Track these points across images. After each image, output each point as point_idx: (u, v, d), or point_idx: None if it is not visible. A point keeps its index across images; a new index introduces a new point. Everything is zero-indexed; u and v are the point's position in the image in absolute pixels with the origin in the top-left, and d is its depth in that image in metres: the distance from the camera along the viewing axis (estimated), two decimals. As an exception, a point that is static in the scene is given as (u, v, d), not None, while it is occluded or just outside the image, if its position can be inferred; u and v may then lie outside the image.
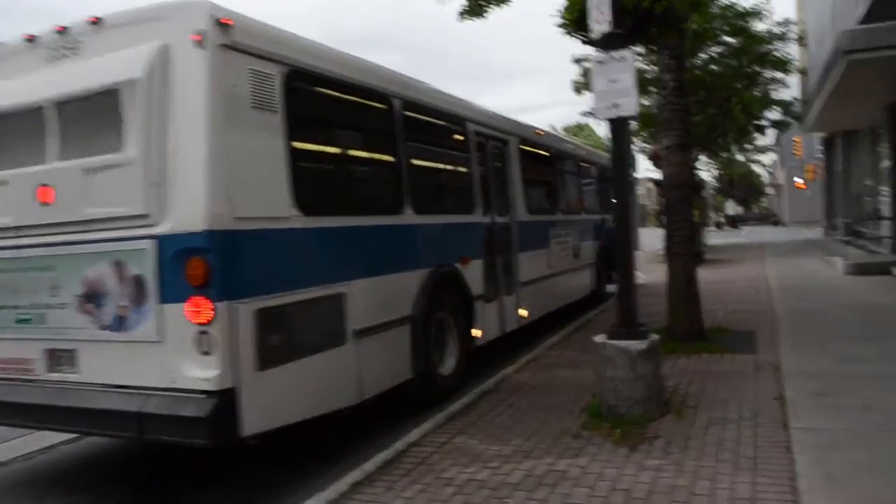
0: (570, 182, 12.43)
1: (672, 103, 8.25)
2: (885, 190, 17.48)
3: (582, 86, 22.99)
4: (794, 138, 48.90)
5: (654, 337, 5.59)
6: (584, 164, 12.92)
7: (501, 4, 8.10)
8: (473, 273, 7.77)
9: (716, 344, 7.98)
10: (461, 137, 7.97)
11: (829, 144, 28.93)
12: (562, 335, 9.49)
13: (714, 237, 37.68)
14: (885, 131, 17.15)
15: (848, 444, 4.58)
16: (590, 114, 25.73)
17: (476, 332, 7.80)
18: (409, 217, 6.56)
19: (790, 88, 28.66)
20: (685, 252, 8.27)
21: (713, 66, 23.20)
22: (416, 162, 6.92)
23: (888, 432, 4.75)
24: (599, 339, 5.61)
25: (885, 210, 16.65)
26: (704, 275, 17.19)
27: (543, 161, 10.98)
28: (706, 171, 59.79)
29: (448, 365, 7.23)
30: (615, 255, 14.08)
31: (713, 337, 8.39)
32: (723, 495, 4.01)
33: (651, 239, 23.61)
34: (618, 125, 5.53)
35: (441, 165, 7.80)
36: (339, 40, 7.04)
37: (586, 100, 34.04)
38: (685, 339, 8.10)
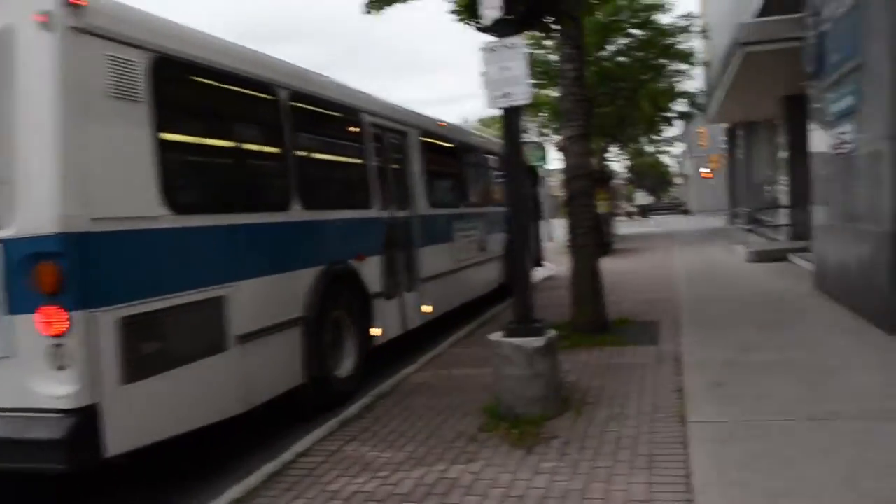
0: (476, 174, 12.26)
1: (573, 94, 8.13)
2: (783, 179, 18.05)
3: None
4: (699, 129, 50.45)
5: (552, 333, 5.41)
6: (490, 156, 12.76)
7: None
8: (371, 270, 7.47)
9: (620, 336, 7.92)
10: (356, 129, 7.64)
11: (731, 135, 29.86)
12: (467, 331, 9.29)
13: (625, 227, 38.48)
14: (782, 123, 17.69)
15: (744, 435, 4.49)
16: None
17: (375, 331, 7.51)
18: (297, 213, 6.20)
19: (694, 80, 29.51)
20: (588, 244, 8.17)
21: (621, 59, 23.54)
22: (304, 155, 6.56)
23: (783, 421, 4.70)
24: (496, 336, 5.40)
25: (784, 199, 17.18)
26: (613, 265, 17.46)
27: (446, 153, 10.75)
28: (617, 161, 61.30)
29: (346, 367, 6.92)
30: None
31: (617, 329, 8.33)
32: (617, 498, 3.84)
33: (562, 230, 23.81)
34: (510, 114, 5.31)
35: (333, 159, 7.43)
36: (256, 35, 6.59)
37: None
38: (589, 331, 8.01)
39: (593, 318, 8.10)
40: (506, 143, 5.45)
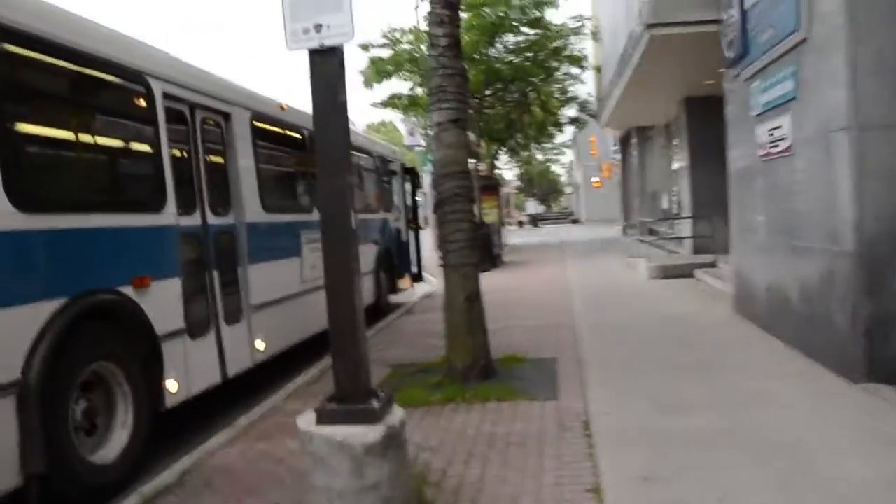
0: None
1: (445, 66, 6.16)
2: (678, 189, 16.83)
3: (372, 77, 20.80)
4: (590, 137, 50.14)
5: (395, 417, 3.35)
6: (357, 154, 10.68)
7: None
8: (163, 299, 5.26)
9: (508, 384, 5.98)
10: (140, 102, 5.40)
11: (624, 143, 28.94)
12: (309, 377, 7.13)
13: (514, 236, 37.18)
14: (679, 129, 16.47)
15: None
16: (381, 104, 23.71)
17: (170, 386, 5.31)
18: (11, 220, 3.94)
19: (586, 84, 28.37)
20: (465, 262, 6.22)
21: (511, 58, 22.02)
22: (31, 132, 4.31)
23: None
24: (305, 423, 3.31)
25: (684, 209, 15.91)
26: (502, 280, 15.68)
27: (294, 146, 8.58)
28: (508, 169, 60.63)
29: (111, 447, 4.71)
30: (401, 259, 12.18)
31: (506, 371, 6.42)
32: None
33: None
34: (323, 61, 3.25)
35: (95, 140, 5.06)
36: None
37: (380, 92, 32.03)
38: (469, 377, 6.07)
39: (473, 360, 6.15)
40: (317, 111, 3.34)
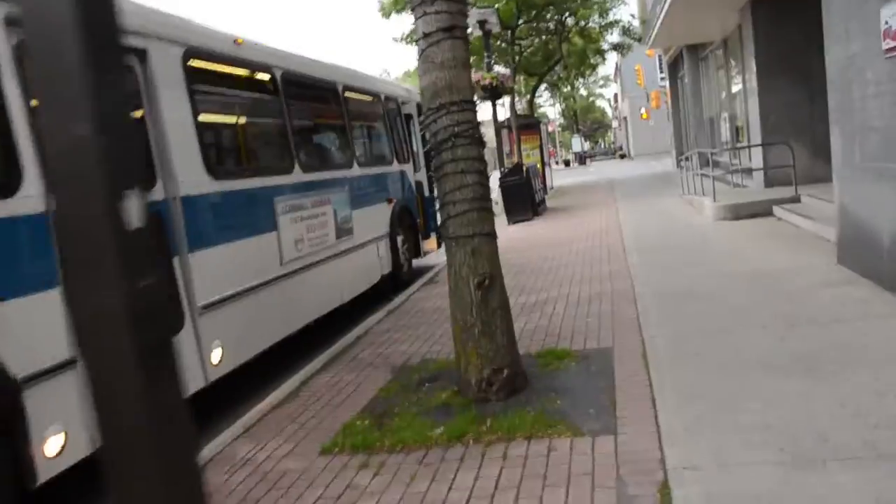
0: (325, 122, 8.36)
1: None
2: (743, 112, 14.55)
3: (389, 6, 18.77)
4: (635, 67, 47.14)
5: None
6: (355, 96, 8.83)
7: None
8: (27, 323, 3.58)
9: (545, 401, 4.20)
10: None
11: (673, 68, 26.36)
12: (295, 381, 5.45)
13: (560, 176, 35.00)
14: (742, 42, 14.11)
15: None
16: (403, 40, 21.62)
17: (51, 445, 3.66)
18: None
19: (628, 5, 25.76)
20: (474, 232, 4.38)
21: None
22: None
23: None
24: None
25: (751, 135, 13.66)
26: (543, 231, 13.78)
27: (259, 90, 6.78)
28: (550, 105, 57.82)
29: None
30: (425, 217, 10.37)
31: (543, 377, 4.64)
32: None
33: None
34: None
35: None
36: None
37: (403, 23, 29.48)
38: (487, 395, 4.30)
39: (492, 371, 4.36)
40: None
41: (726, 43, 16.70)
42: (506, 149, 23.51)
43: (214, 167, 5.53)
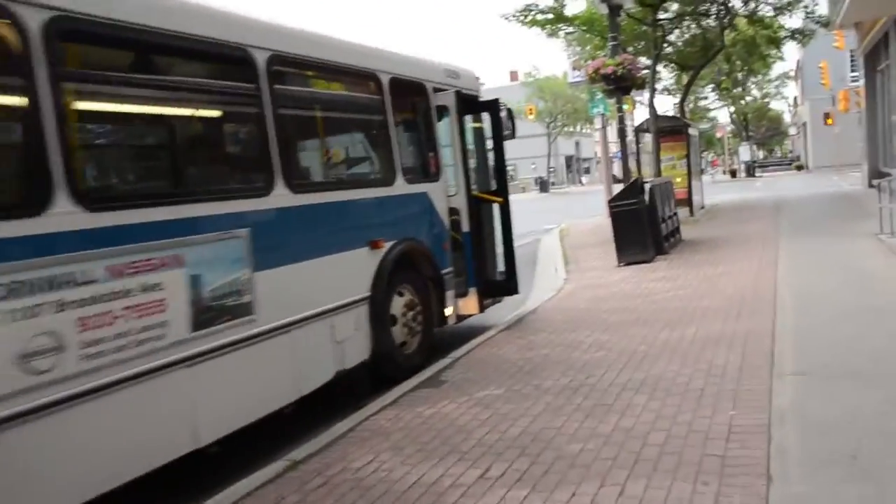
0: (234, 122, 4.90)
1: None
2: None
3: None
4: (820, 64, 40.74)
5: None
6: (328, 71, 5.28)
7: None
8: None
9: None
10: None
11: (872, 59, 20.85)
12: None
13: (718, 190, 29.79)
14: None
15: None
16: (515, 18, 17.80)
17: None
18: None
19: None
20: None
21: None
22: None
23: None
24: None
25: None
26: (656, 284, 9.10)
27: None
28: (717, 108, 51.62)
29: None
30: (456, 262, 6.67)
31: None
32: None
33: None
34: None
35: None
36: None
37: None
38: None
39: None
40: None
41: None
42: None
43: None
